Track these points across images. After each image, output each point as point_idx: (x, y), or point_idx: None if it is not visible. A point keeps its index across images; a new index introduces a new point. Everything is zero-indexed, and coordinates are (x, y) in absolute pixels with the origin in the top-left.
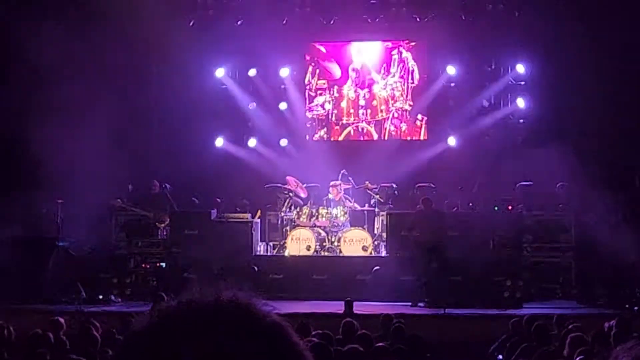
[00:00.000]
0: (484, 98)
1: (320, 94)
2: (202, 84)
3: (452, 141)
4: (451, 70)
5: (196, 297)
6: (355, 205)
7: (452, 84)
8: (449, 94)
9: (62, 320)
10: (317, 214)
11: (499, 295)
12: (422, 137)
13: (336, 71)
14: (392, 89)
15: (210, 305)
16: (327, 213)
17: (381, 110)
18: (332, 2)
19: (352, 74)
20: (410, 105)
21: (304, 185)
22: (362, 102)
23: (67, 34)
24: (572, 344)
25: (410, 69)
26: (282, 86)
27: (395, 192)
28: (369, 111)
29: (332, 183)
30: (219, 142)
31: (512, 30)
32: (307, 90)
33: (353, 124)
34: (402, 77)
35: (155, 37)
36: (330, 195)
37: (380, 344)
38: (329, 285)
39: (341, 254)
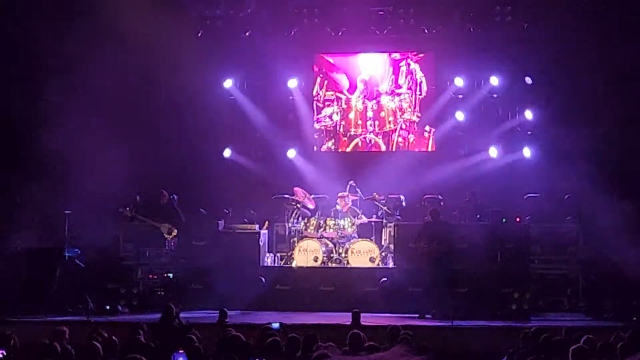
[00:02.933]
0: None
1: (328, 105)
2: (210, 94)
3: (460, 153)
4: (459, 81)
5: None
6: (363, 217)
7: (460, 96)
8: (457, 106)
9: (66, 329)
10: (324, 225)
11: (506, 307)
12: (429, 149)
13: (344, 82)
14: (400, 101)
15: None
16: (334, 224)
17: (389, 122)
18: (341, 14)
19: (360, 86)
20: (418, 116)
21: (312, 196)
22: (370, 114)
23: (76, 44)
24: (575, 355)
25: (419, 80)
26: (290, 97)
27: (403, 203)
28: (377, 122)
29: (340, 194)
30: (227, 152)
31: (520, 41)
32: (315, 102)
33: (361, 135)
34: (410, 88)
35: (164, 48)
36: (337, 207)
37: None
38: (336, 297)
39: (348, 266)
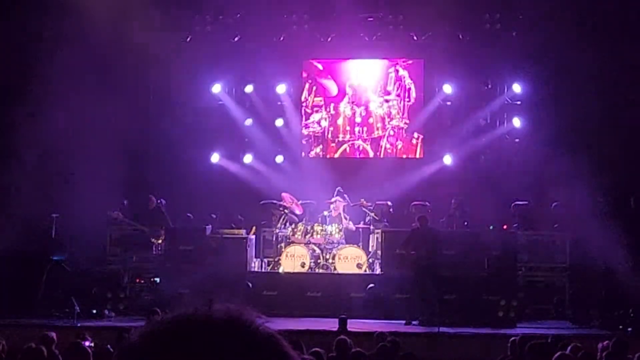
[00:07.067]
0: (480, 117)
1: (317, 111)
2: (198, 99)
3: (447, 160)
4: (448, 89)
5: (190, 311)
6: (350, 224)
7: (449, 103)
8: (445, 113)
9: (53, 335)
10: (312, 230)
11: (493, 315)
12: (417, 156)
13: (333, 88)
14: (389, 107)
15: (204, 318)
16: (322, 230)
17: (377, 128)
18: (330, 20)
19: (348, 92)
20: (406, 123)
21: (299, 202)
22: (358, 120)
23: (65, 50)
24: None
25: (407, 87)
26: (279, 103)
27: (391, 210)
28: (365, 129)
29: (332, 200)
30: (215, 158)
31: (509, 49)
32: (303, 107)
33: (349, 141)
34: (398, 95)
35: (153, 53)
36: (326, 213)
37: None
38: (323, 303)
39: (335, 272)
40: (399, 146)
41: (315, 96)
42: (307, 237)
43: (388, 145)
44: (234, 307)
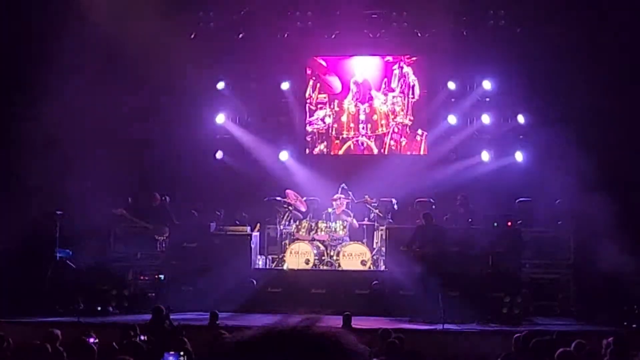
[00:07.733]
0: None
1: (321, 108)
2: (202, 96)
3: (452, 157)
4: (452, 85)
5: (299, 324)
6: (354, 221)
7: (453, 100)
8: (450, 109)
9: (58, 332)
10: (316, 227)
11: (497, 312)
12: (422, 152)
13: (337, 85)
14: (393, 104)
15: (301, 333)
16: (326, 227)
17: (381, 125)
18: (334, 17)
19: (352, 88)
20: (410, 120)
21: (304, 198)
22: (362, 117)
23: (68, 47)
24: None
25: (411, 84)
26: (283, 100)
27: (395, 206)
28: (369, 125)
29: (335, 197)
30: (219, 154)
31: (513, 46)
32: (307, 104)
33: (353, 138)
34: (402, 92)
35: (157, 49)
36: (329, 210)
37: (378, 359)
38: (328, 300)
39: (340, 268)
40: (403, 143)
41: (319, 93)
42: (311, 234)
43: (392, 142)
44: (334, 327)
